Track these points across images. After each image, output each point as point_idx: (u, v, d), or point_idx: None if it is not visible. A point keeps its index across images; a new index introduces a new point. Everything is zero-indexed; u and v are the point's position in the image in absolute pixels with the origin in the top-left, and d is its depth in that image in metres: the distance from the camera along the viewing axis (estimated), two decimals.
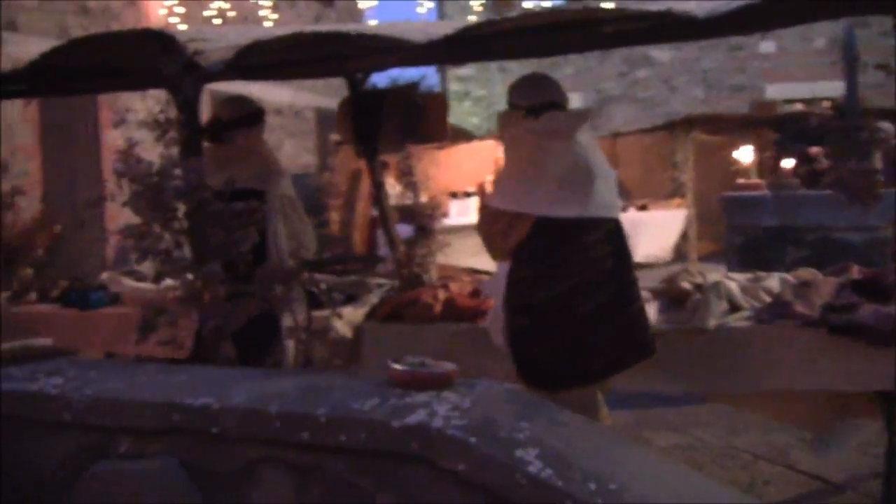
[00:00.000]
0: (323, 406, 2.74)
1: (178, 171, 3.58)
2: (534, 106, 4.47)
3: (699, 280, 5.07)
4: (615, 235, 4.46)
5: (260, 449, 2.81)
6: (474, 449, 2.49)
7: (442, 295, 5.20)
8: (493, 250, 4.57)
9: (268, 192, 4.73)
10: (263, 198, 4.56)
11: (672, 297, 4.96)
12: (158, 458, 2.94)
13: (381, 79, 5.84)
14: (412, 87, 5.73)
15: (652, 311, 4.86)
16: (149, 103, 3.60)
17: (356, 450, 2.66)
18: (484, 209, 4.61)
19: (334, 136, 18.53)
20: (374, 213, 16.60)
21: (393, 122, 5.66)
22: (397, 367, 2.91)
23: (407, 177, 6.05)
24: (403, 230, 6.09)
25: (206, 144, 4.98)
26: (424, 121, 5.67)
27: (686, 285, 4.98)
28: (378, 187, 6.04)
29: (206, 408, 2.86)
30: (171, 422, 2.92)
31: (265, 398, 2.85)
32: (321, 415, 2.70)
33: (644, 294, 4.97)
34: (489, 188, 4.78)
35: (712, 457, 5.93)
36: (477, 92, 23.17)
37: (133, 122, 11.28)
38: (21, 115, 11.02)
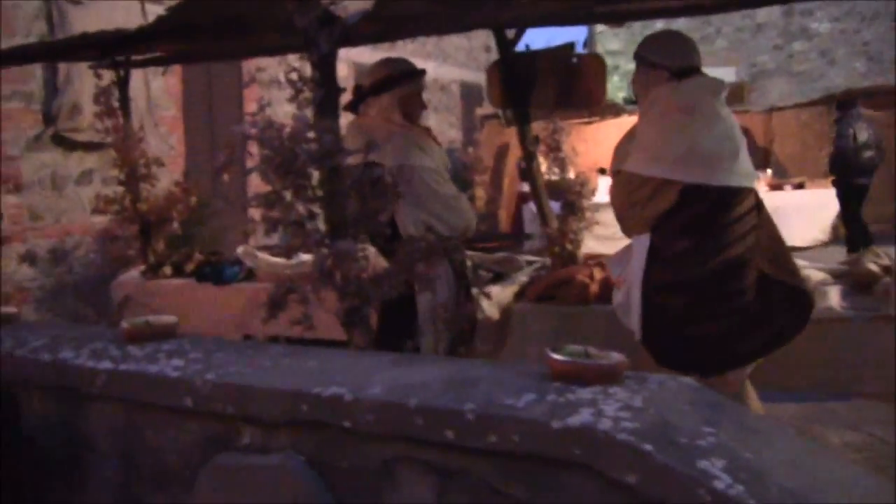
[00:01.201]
0: (470, 401, 2.38)
1: (311, 135, 3.23)
2: (678, 68, 4.14)
3: (887, 262, 4.55)
4: (758, 206, 4.10)
5: (397, 447, 2.47)
6: (649, 458, 2.09)
7: (598, 274, 4.81)
8: (630, 221, 4.19)
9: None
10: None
11: (857, 280, 4.45)
12: (284, 453, 2.65)
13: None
14: (568, 47, 5.33)
15: (833, 296, 4.39)
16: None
17: (508, 453, 2.29)
18: (621, 175, 4.24)
19: (480, 111, 18.39)
20: (520, 189, 16.48)
21: (547, 86, 5.29)
22: (557, 356, 2.51)
23: (554, 152, 5.72)
24: (551, 207, 5.73)
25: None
26: (581, 84, 5.29)
27: (873, 267, 4.46)
28: (529, 158, 5.63)
29: (336, 399, 2.54)
30: (299, 413, 2.61)
31: (404, 390, 2.50)
32: (468, 411, 2.34)
33: (822, 277, 4.54)
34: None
35: (891, 459, 5.36)
36: (626, 66, 22.63)
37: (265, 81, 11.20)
38: (164, 88, 11.04)
